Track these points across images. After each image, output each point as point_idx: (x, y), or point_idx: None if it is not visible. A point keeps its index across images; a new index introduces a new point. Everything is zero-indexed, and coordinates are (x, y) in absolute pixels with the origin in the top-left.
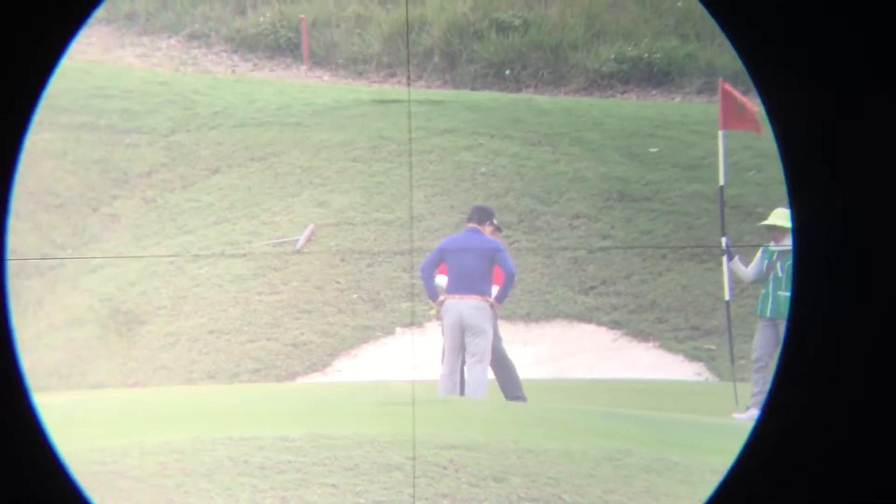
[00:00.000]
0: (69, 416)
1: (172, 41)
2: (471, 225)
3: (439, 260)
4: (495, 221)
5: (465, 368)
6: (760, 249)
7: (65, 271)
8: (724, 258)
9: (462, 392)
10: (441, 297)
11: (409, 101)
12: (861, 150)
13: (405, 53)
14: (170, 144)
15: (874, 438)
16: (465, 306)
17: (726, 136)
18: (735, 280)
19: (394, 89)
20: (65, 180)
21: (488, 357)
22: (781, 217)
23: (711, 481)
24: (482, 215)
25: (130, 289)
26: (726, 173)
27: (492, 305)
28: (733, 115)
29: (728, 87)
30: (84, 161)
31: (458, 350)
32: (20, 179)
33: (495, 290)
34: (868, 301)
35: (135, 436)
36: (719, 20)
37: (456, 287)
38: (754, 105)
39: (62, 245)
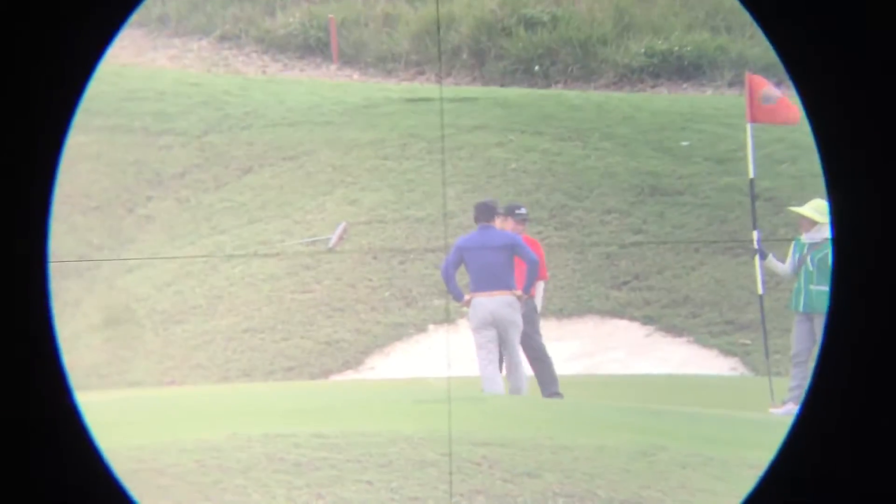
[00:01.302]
0: (108, 415)
1: (204, 43)
2: (481, 223)
3: (459, 260)
4: (520, 211)
5: (504, 365)
6: (793, 243)
7: (101, 272)
8: (757, 257)
9: (503, 386)
10: (467, 297)
11: (441, 98)
12: None
13: (434, 51)
14: (202, 145)
15: None
16: (497, 303)
17: (757, 128)
18: (771, 274)
19: (423, 87)
20: (100, 182)
21: (519, 348)
22: (813, 208)
23: (748, 477)
24: (488, 212)
25: (166, 288)
26: (756, 166)
27: (519, 298)
28: (760, 108)
29: (756, 79)
30: (119, 163)
31: (492, 345)
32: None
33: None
34: None
35: (172, 434)
36: (753, 12)
37: (482, 284)
38: (787, 95)
39: (98, 246)
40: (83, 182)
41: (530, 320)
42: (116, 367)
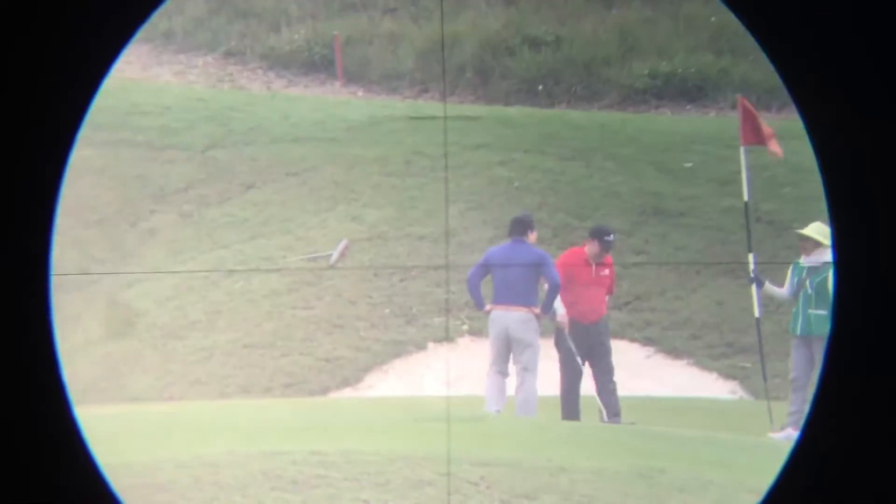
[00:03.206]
0: (107, 430)
1: (209, 59)
2: (514, 237)
3: (486, 272)
4: (608, 238)
5: (516, 383)
6: (791, 266)
7: (102, 286)
8: (754, 286)
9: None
10: (487, 307)
11: (445, 116)
12: None
13: (438, 70)
14: (206, 160)
15: None
16: (511, 318)
17: (760, 150)
18: (771, 299)
19: (427, 105)
20: (103, 196)
21: (537, 370)
22: (816, 230)
23: (747, 501)
24: (523, 226)
25: (166, 303)
26: (751, 189)
27: (538, 316)
28: (753, 131)
29: (746, 103)
30: (122, 177)
31: (504, 359)
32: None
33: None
34: None
35: (170, 449)
36: (757, 36)
37: (502, 298)
38: (768, 127)
39: (100, 260)
40: (86, 195)
41: (605, 344)
42: (115, 381)
